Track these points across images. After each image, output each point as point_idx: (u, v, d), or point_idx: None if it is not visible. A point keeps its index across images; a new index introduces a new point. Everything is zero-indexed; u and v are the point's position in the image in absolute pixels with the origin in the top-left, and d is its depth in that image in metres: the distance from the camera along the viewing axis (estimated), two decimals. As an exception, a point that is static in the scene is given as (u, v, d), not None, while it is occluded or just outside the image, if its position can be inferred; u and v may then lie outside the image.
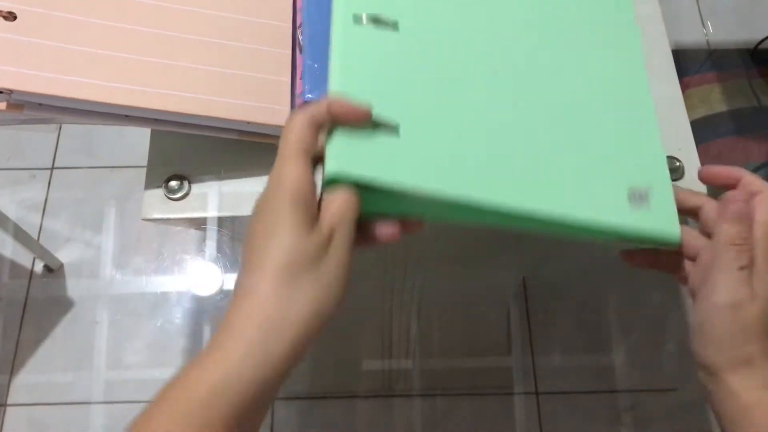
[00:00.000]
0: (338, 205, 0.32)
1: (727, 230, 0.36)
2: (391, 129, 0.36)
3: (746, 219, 0.36)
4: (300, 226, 0.31)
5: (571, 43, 0.44)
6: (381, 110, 0.35)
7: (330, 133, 0.34)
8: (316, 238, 0.31)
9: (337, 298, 0.31)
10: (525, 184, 0.38)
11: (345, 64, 0.37)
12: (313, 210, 0.32)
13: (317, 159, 0.35)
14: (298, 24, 0.48)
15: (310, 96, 0.44)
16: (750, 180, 0.38)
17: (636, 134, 0.42)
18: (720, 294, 0.35)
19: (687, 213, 0.40)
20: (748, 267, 0.35)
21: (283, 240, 0.30)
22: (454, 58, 0.40)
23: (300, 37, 0.47)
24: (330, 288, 0.31)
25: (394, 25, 0.39)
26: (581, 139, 0.40)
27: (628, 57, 0.45)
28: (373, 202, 0.35)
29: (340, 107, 0.33)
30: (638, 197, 0.39)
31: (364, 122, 0.34)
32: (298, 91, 0.45)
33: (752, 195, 0.37)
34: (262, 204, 0.32)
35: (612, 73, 0.44)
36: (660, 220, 0.39)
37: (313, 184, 0.32)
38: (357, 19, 0.38)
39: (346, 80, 0.36)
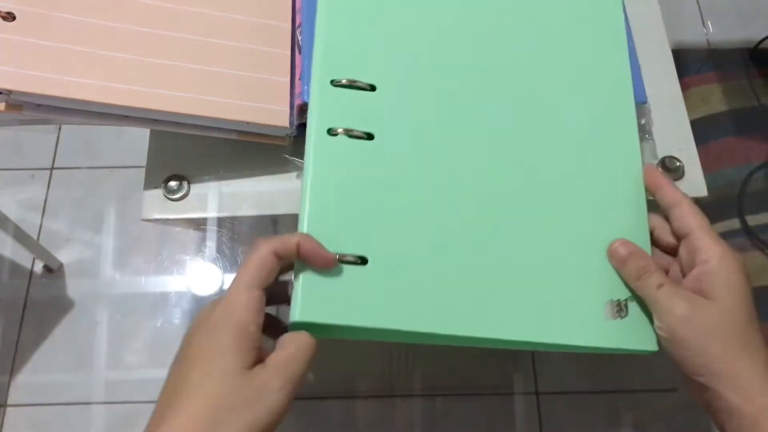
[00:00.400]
0: (293, 350, 0.32)
1: (627, 274, 0.38)
2: (359, 263, 0.36)
3: (634, 254, 0.38)
4: (238, 370, 0.31)
5: (547, 159, 0.42)
6: (349, 238, 0.36)
7: (297, 272, 0.35)
8: (257, 377, 0.31)
9: None
10: (496, 312, 0.37)
11: (318, 180, 0.37)
12: (256, 347, 0.32)
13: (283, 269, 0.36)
14: (297, 24, 0.48)
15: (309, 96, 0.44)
16: (670, 192, 0.39)
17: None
18: (664, 315, 0.36)
19: (663, 210, 0.41)
20: (666, 283, 0.36)
21: (214, 383, 0.30)
22: (427, 178, 0.39)
23: (299, 38, 0.47)
24: (257, 428, 0.30)
25: (369, 136, 0.39)
26: (560, 261, 0.39)
27: (618, 163, 0.42)
28: (334, 332, 0.35)
29: (308, 250, 0.34)
30: (617, 310, 0.38)
31: (330, 267, 0.35)
32: (297, 91, 0.45)
33: (674, 205, 0.38)
34: (205, 326, 0.33)
35: (599, 188, 0.41)
36: (637, 331, 0.38)
37: (260, 319, 0.33)
38: (332, 131, 0.38)
39: (320, 199, 0.37)
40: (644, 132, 0.48)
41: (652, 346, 0.38)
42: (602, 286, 0.38)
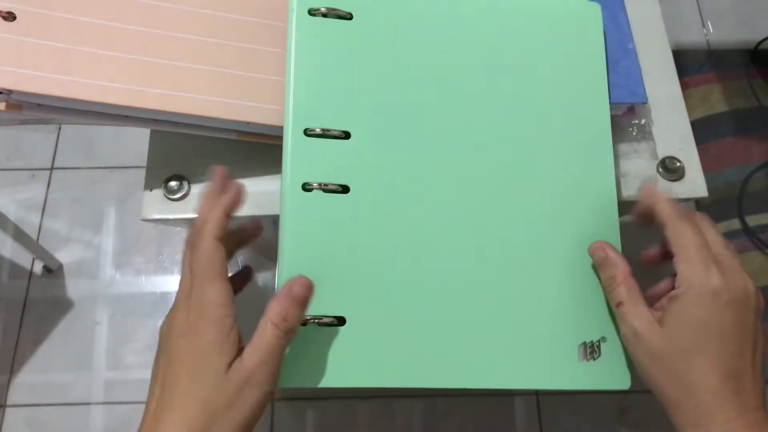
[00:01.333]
0: (270, 336, 0.33)
1: (601, 280, 0.39)
2: (336, 323, 0.36)
3: (607, 260, 0.38)
4: (223, 369, 0.31)
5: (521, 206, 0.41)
6: (327, 299, 0.36)
7: None
8: (239, 373, 0.32)
9: (250, 427, 0.32)
10: (472, 363, 0.38)
11: (294, 239, 0.37)
12: (235, 340, 0.33)
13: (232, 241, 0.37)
14: (297, 24, 0.48)
15: None
16: (661, 210, 0.38)
17: (588, 284, 0.40)
18: (620, 329, 0.37)
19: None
20: (626, 301, 0.36)
21: (202, 384, 0.31)
22: (402, 231, 0.39)
23: None
24: (246, 420, 0.31)
25: (344, 189, 0.39)
26: (532, 310, 0.39)
27: (591, 201, 0.42)
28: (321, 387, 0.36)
29: (231, 203, 0.37)
30: (589, 352, 0.39)
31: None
32: None
33: (662, 226, 0.37)
34: (182, 329, 0.33)
35: (570, 234, 0.41)
36: (610, 371, 0.39)
37: (232, 309, 0.33)
38: (307, 186, 0.38)
39: (296, 260, 0.37)
40: (644, 132, 0.48)
41: (624, 384, 0.39)
42: (574, 330, 0.39)
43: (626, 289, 0.37)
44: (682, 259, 0.35)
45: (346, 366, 0.36)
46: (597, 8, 0.45)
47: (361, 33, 0.41)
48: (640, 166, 0.48)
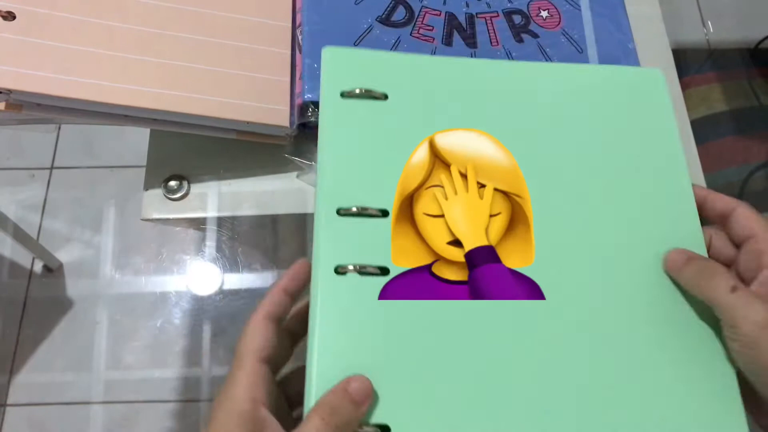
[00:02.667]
0: None
1: (688, 278, 0.34)
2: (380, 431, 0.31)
3: (695, 257, 0.34)
4: None
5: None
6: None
7: None
8: None
9: None
10: None
11: (328, 336, 0.32)
12: (258, 429, 0.29)
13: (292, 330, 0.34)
14: (297, 24, 0.48)
15: (309, 96, 0.44)
16: (719, 198, 0.36)
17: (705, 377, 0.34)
18: (742, 323, 0.31)
19: (715, 220, 0.37)
20: (740, 286, 0.32)
21: None
22: (455, 320, 0.34)
23: (299, 37, 0.47)
24: None
25: (383, 270, 0.34)
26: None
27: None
28: None
29: (297, 286, 0.33)
30: None
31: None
32: (297, 90, 0.45)
33: (731, 211, 0.35)
34: (212, 413, 0.30)
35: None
36: None
37: (260, 393, 0.30)
38: (340, 269, 0.34)
39: (330, 361, 0.31)
40: None
41: None
42: None
43: (733, 275, 0.32)
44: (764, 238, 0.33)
45: None
46: (657, 73, 0.42)
47: (398, 112, 0.38)
48: None
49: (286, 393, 0.34)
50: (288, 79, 0.46)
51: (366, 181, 0.36)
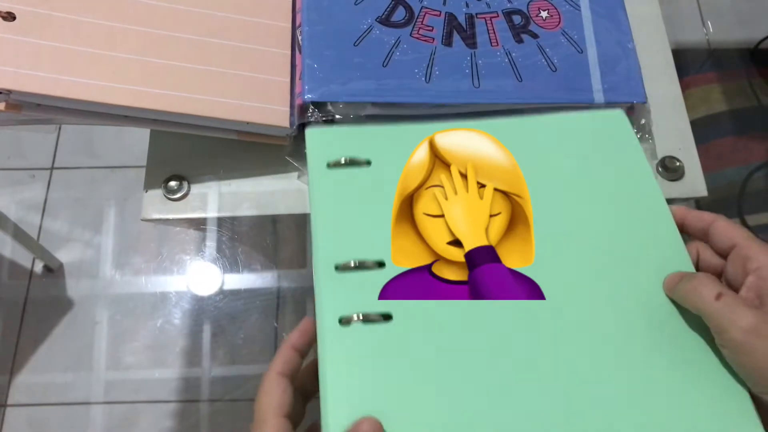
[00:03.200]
0: None
1: (681, 294, 0.35)
2: None
3: (686, 275, 0.36)
4: None
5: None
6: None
7: None
8: None
9: None
10: None
11: (338, 382, 0.33)
12: None
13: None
14: (297, 24, 0.48)
15: (309, 96, 0.44)
16: (697, 216, 0.38)
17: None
18: (728, 329, 0.32)
19: (697, 235, 0.38)
20: (725, 292, 0.33)
21: None
22: (458, 355, 0.34)
23: (299, 38, 0.47)
24: None
25: (387, 317, 0.35)
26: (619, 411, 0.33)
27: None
28: None
29: (304, 342, 0.35)
30: None
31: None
32: (297, 90, 0.45)
33: (709, 225, 0.37)
34: None
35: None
36: None
37: None
38: (343, 320, 0.35)
39: (342, 402, 0.33)
40: (644, 132, 0.48)
41: None
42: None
43: (718, 283, 0.33)
44: (752, 243, 0.34)
45: None
46: (620, 112, 0.46)
47: (383, 174, 0.41)
48: None
49: None
50: (288, 79, 0.46)
51: (358, 237, 0.38)
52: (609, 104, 0.47)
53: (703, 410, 0.33)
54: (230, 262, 0.88)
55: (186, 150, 0.49)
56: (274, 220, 0.50)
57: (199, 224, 0.49)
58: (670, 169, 0.48)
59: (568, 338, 0.35)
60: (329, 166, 0.41)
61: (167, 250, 1.15)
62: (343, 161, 0.41)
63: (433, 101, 0.45)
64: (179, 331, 1.09)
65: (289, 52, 0.47)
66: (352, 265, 0.37)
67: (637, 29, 0.50)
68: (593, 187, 0.41)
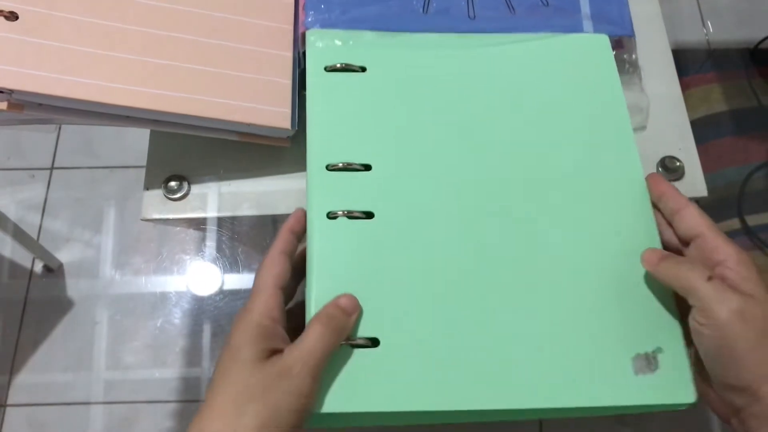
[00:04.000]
0: (312, 338, 0.34)
1: (664, 271, 0.36)
2: (370, 345, 0.36)
3: (668, 254, 0.37)
4: (254, 360, 0.33)
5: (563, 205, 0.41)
6: (359, 321, 0.36)
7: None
8: (274, 365, 0.33)
9: (290, 421, 0.32)
10: (516, 382, 0.36)
11: (323, 264, 0.38)
12: (271, 339, 0.34)
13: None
14: (300, 20, 0.48)
15: (310, 21, 0.45)
16: (673, 196, 0.39)
17: (641, 293, 0.38)
18: (715, 310, 0.33)
19: (666, 215, 0.40)
20: (714, 275, 0.34)
21: (233, 375, 0.33)
22: (431, 252, 0.39)
23: None
24: (281, 412, 0.32)
25: (368, 215, 0.39)
26: (577, 320, 0.37)
27: (623, 199, 0.41)
28: (351, 418, 0.36)
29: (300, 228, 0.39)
30: (645, 364, 0.36)
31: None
32: (301, 19, 0.47)
33: (679, 210, 0.38)
34: (233, 328, 0.35)
35: (606, 235, 0.40)
36: (671, 383, 0.36)
37: (276, 314, 0.35)
38: (330, 215, 0.39)
39: (326, 285, 0.37)
40: (635, 66, 0.49)
41: (689, 397, 0.36)
42: (627, 340, 0.37)
43: (706, 267, 0.35)
44: (717, 234, 0.36)
45: (381, 389, 0.35)
46: (604, 39, 0.47)
47: (376, 82, 0.44)
48: (631, 98, 0.48)
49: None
50: (289, 81, 0.46)
51: (349, 141, 0.41)
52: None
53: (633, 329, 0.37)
54: (230, 262, 0.88)
55: (186, 150, 0.49)
56: (274, 220, 0.50)
57: (199, 224, 0.49)
58: (670, 168, 0.48)
59: (535, 249, 0.39)
60: (326, 69, 0.44)
61: (167, 250, 1.15)
62: (339, 66, 0.44)
63: (430, 30, 0.47)
64: (179, 331, 1.09)
65: (290, 54, 0.47)
66: (341, 166, 0.40)
67: (637, 29, 0.50)
68: (566, 116, 0.44)
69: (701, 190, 0.47)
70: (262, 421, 0.31)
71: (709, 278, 0.33)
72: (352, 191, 0.40)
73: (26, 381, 1.06)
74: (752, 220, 0.86)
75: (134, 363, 1.07)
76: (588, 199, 0.41)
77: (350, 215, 0.39)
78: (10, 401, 1.05)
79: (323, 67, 0.44)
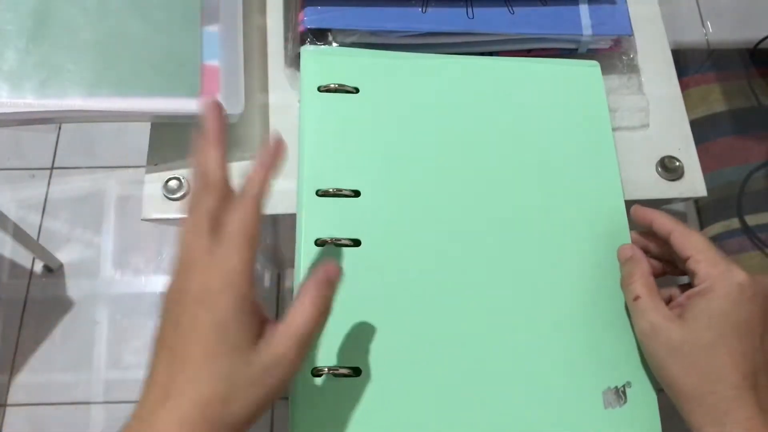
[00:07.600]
0: (300, 322, 0.30)
1: (622, 274, 0.39)
2: (351, 374, 0.36)
3: (631, 259, 0.39)
4: (244, 344, 0.29)
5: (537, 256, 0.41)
6: (342, 350, 0.36)
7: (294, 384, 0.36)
8: (265, 352, 0.30)
9: (275, 398, 0.30)
10: (492, 416, 0.37)
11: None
12: (259, 319, 0.31)
13: None
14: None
15: (308, 20, 0.45)
16: (661, 222, 0.39)
17: (613, 326, 0.40)
18: (634, 327, 0.37)
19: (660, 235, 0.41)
20: (645, 296, 0.36)
21: (223, 360, 0.29)
22: (414, 282, 0.39)
23: None
24: (269, 396, 0.30)
25: (356, 243, 0.39)
26: (553, 358, 0.39)
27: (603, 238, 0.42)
28: None
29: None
30: (615, 398, 0.38)
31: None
32: (299, 19, 0.46)
33: (668, 234, 0.38)
34: (196, 297, 0.30)
35: (585, 275, 0.41)
36: (639, 417, 0.38)
37: (254, 285, 0.31)
38: (319, 241, 0.39)
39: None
40: (632, 66, 0.49)
41: (654, 430, 0.38)
42: (598, 375, 0.38)
43: (644, 285, 0.37)
44: (700, 258, 0.36)
45: (362, 418, 0.35)
46: (596, 67, 0.47)
47: (368, 104, 0.43)
48: (630, 100, 0.49)
49: None
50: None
51: (339, 166, 0.41)
52: (597, 37, 0.48)
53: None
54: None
55: (186, 150, 0.49)
56: (274, 220, 0.50)
57: (199, 224, 0.49)
58: (669, 169, 0.48)
59: (516, 285, 0.40)
60: (320, 89, 0.43)
61: (167, 250, 1.15)
62: (332, 86, 0.43)
63: (429, 29, 0.47)
64: (179, 331, 1.09)
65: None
66: (331, 191, 0.40)
67: (637, 29, 0.50)
68: (555, 145, 0.44)
69: (701, 190, 0.47)
70: (256, 408, 0.29)
71: (636, 298, 0.37)
72: (341, 218, 0.40)
73: (26, 381, 1.06)
74: (751, 219, 0.86)
75: (134, 363, 1.07)
76: (568, 233, 0.42)
77: (337, 242, 0.39)
78: (10, 401, 1.05)
79: (317, 87, 0.43)
